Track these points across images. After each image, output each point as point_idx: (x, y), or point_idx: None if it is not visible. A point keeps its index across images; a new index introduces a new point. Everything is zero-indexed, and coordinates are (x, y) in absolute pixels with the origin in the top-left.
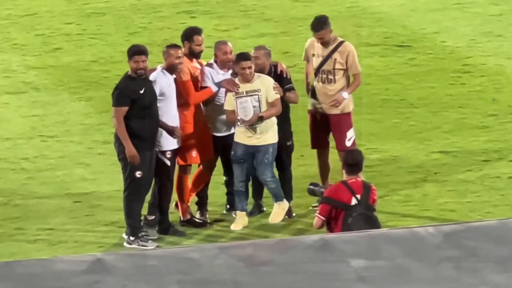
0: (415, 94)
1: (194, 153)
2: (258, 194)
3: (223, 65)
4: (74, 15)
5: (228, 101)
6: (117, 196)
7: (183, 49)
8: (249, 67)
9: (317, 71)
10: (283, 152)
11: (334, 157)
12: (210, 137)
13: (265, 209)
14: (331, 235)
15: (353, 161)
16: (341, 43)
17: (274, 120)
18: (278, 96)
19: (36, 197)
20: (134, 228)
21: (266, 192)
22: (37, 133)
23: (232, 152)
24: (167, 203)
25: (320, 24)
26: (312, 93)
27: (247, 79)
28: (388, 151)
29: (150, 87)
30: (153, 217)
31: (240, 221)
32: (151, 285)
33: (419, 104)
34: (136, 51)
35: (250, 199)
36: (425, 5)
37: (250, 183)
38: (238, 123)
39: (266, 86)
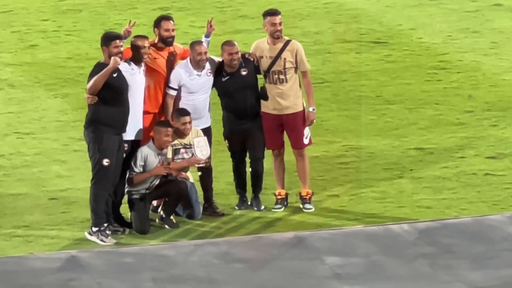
0: (391, 91)
1: None
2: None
3: (197, 65)
4: (50, 11)
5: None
6: None
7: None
8: (189, 122)
9: (267, 72)
10: (260, 143)
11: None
12: None
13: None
14: (305, 232)
15: None
16: (288, 41)
17: None
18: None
19: (11, 194)
20: (97, 217)
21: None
22: (12, 130)
23: None
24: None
25: (278, 10)
26: (263, 95)
27: (186, 134)
28: (364, 147)
29: (121, 74)
30: None
31: None
32: (126, 283)
33: (395, 100)
34: (116, 36)
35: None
36: (401, 1)
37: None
38: (196, 164)
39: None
